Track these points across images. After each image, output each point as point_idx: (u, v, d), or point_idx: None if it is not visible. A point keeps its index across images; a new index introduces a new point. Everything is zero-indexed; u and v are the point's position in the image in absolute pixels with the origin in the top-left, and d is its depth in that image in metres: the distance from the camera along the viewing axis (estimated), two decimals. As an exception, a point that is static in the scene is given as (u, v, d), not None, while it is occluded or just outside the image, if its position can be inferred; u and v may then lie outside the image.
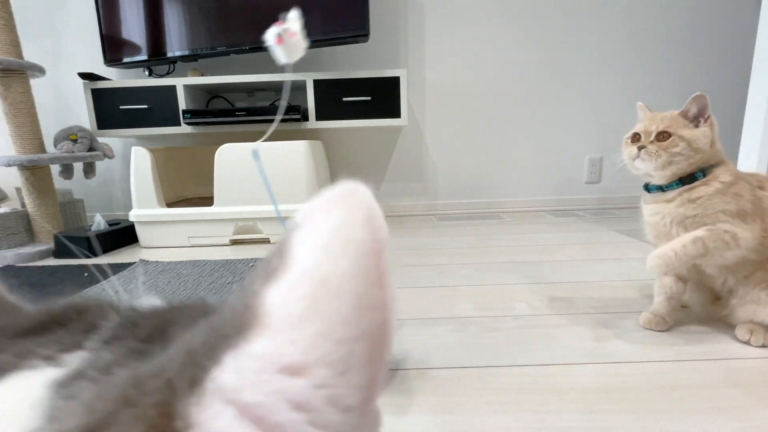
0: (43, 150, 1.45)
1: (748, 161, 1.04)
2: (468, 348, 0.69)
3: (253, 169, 1.41)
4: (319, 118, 1.58)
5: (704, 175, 0.61)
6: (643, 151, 0.62)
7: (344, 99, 1.56)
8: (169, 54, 1.61)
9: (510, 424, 0.50)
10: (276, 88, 1.76)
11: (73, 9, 1.78)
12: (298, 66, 1.79)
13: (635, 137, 0.65)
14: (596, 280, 0.98)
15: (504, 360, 0.65)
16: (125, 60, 1.64)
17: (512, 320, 0.79)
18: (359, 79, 1.55)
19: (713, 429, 0.48)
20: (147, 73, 1.76)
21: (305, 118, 1.58)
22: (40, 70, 1.43)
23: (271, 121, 1.55)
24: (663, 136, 0.61)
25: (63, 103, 1.84)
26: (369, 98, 1.56)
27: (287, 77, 1.55)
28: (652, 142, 0.62)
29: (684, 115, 0.62)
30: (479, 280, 1.01)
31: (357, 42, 1.50)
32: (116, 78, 1.74)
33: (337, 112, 1.58)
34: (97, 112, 1.59)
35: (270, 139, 1.65)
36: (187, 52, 1.60)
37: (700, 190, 0.61)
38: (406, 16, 1.76)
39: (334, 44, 1.54)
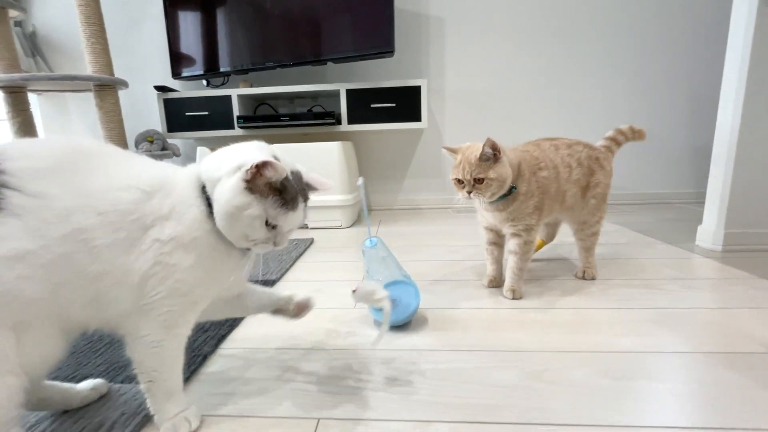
0: (126, 149, 1.77)
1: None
2: (459, 299, 0.91)
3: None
4: (350, 122, 1.83)
5: (515, 188, 0.85)
6: (472, 194, 0.83)
7: (372, 105, 1.81)
8: (225, 69, 1.91)
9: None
10: (312, 96, 2.02)
11: (146, 31, 2.11)
12: (333, 77, 2.06)
13: (460, 182, 0.85)
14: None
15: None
16: (189, 74, 1.95)
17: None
18: (385, 88, 1.79)
19: (625, 342, 0.68)
20: (205, 84, 2.07)
21: (338, 122, 1.83)
22: (124, 84, 1.75)
23: (309, 125, 1.82)
24: (478, 180, 0.81)
25: (135, 110, 2.18)
26: (394, 105, 1.80)
27: (322, 87, 1.81)
28: (473, 185, 0.82)
29: (484, 158, 0.81)
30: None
31: (384, 57, 1.74)
32: (181, 89, 2.06)
33: (366, 116, 1.83)
34: (167, 117, 1.91)
35: (308, 140, 1.91)
36: (240, 67, 1.89)
37: (514, 204, 0.86)
38: (428, 31, 1.99)
39: (365, 59, 1.78)
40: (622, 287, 0.94)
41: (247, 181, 0.45)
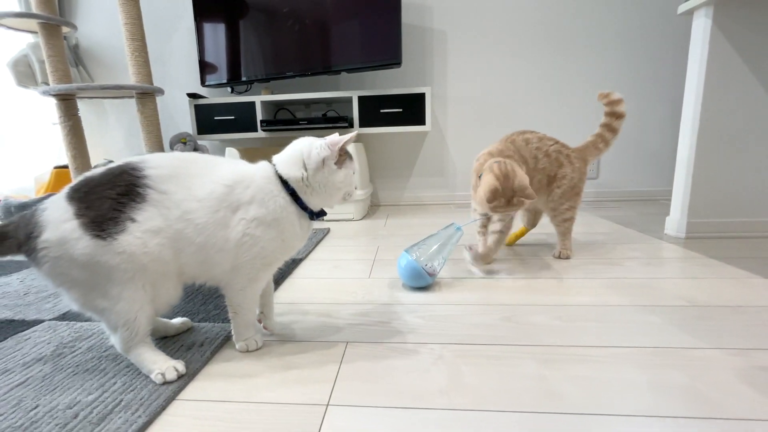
0: (163, 150, 1.99)
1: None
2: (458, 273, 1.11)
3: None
4: (362, 125, 2.04)
5: None
6: None
7: (381, 110, 2.01)
8: (249, 77, 2.12)
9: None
10: (326, 102, 2.23)
11: (177, 43, 2.34)
12: (347, 85, 2.27)
13: None
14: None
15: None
16: (216, 82, 2.17)
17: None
18: (393, 95, 1.99)
19: (580, 299, 0.87)
20: (230, 90, 2.29)
21: (351, 125, 2.04)
22: (161, 92, 1.97)
23: (324, 128, 2.03)
24: None
25: (167, 114, 2.41)
26: (401, 110, 2.00)
27: (336, 94, 2.02)
28: None
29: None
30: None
31: (392, 67, 1.95)
32: (208, 96, 2.28)
33: (376, 120, 2.03)
34: (197, 121, 2.13)
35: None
36: (262, 76, 2.10)
37: None
38: (432, 43, 2.19)
39: (375, 69, 1.98)
40: (590, 264, 1.14)
41: (336, 163, 0.67)
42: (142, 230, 0.58)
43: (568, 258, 1.20)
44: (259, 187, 0.65)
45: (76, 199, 0.57)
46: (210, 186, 0.63)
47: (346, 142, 0.66)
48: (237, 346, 0.71)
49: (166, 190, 0.61)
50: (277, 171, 0.67)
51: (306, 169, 0.66)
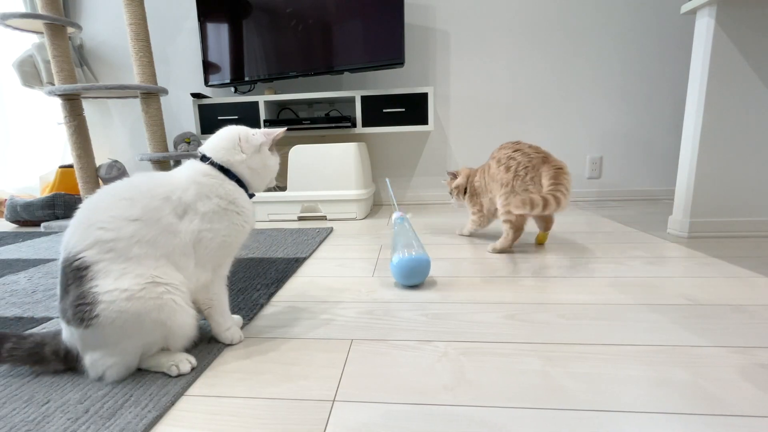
0: (166, 149, 2.01)
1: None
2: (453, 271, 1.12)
3: (318, 163, 1.89)
4: (365, 125, 2.04)
5: None
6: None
7: (384, 110, 2.02)
8: (253, 77, 2.13)
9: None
10: (329, 101, 2.24)
11: (180, 44, 2.35)
12: (350, 85, 2.28)
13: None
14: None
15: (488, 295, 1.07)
16: (219, 82, 2.19)
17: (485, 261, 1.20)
18: (396, 95, 2.00)
19: (583, 298, 0.88)
20: (233, 90, 2.30)
21: (354, 125, 2.05)
22: (165, 92, 1.99)
23: (327, 127, 2.04)
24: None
25: (171, 114, 2.42)
26: (403, 109, 2.01)
27: (339, 94, 2.03)
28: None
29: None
30: (480, 239, 1.42)
31: (395, 67, 1.95)
32: (212, 95, 2.29)
33: (379, 120, 2.04)
34: (201, 121, 2.14)
35: (327, 141, 2.13)
36: (266, 76, 2.11)
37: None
38: (434, 43, 2.20)
39: (377, 69, 1.99)
40: (593, 262, 1.14)
41: (270, 149, 0.74)
42: (111, 285, 0.57)
43: (495, 251, 1.29)
44: (200, 183, 0.66)
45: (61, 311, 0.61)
46: (141, 203, 0.61)
47: (278, 135, 0.74)
48: (221, 338, 0.72)
49: (95, 240, 0.58)
50: (213, 161, 0.69)
51: (243, 152, 0.70)
